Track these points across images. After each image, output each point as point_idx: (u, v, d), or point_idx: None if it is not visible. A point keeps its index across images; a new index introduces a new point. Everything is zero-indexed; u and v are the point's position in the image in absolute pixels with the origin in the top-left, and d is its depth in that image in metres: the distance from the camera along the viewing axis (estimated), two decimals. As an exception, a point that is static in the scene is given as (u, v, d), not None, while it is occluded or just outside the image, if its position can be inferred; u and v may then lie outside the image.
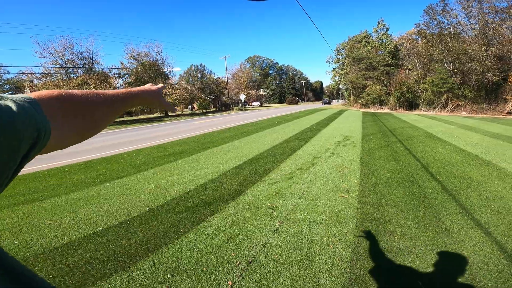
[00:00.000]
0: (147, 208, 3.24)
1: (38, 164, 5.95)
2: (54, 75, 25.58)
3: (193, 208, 3.18)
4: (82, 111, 0.45)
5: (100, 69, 28.60)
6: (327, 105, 47.79)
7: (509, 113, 19.79)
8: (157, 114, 40.47)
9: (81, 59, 26.93)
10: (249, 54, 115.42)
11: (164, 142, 8.95)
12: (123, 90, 0.60)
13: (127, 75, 31.03)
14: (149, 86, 0.71)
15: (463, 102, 21.87)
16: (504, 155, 5.31)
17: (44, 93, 0.39)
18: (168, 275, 1.99)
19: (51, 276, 2.02)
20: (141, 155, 6.72)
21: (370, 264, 2.05)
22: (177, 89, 32.72)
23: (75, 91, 0.45)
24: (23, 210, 3.38)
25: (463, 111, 21.44)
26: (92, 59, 27.88)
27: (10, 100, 0.32)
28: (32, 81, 25.40)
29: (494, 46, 20.94)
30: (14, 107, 0.31)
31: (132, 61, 32.83)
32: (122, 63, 32.72)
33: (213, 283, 1.88)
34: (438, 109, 22.96)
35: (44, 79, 24.79)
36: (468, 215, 2.79)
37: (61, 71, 25.86)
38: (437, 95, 23.12)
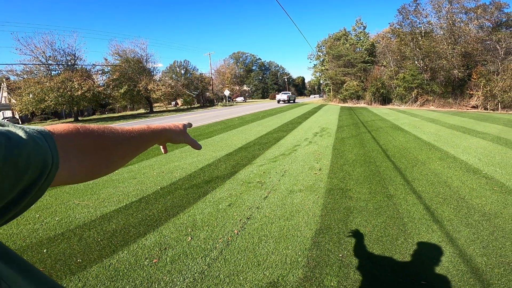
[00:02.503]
0: (159, 187, 3.95)
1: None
2: (35, 72, 24.88)
3: (197, 185, 3.93)
4: (97, 148, 0.44)
5: (83, 65, 28.06)
6: (307, 100, 48.97)
7: (473, 107, 21.66)
8: (142, 110, 40.11)
9: (63, 55, 26.35)
10: (233, 50, 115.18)
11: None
12: (144, 127, 0.58)
13: (110, 72, 30.58)
14: (173, 123, 0.70)
15: (431, 97, 23.61)
16: (452, 142, 6.41)
17: (59, 127, 0.39)
18: (189, 230, 2.73)
19: (99, 239, 2.56)
20: (138, 147, 7.30)
21: (334, 217, 2.89)
22: (162, 85, 32.66)
23: (92, 126, 0.45)
24: (48, 194, 3.85)
25: (432, 105, 23.17)
26: (75, 56, 27.32)
27: (20, 129, 0.32)
28: (8, 78, 24.61)
29: (460, 44, 22.66)
30: (23, 136, 0.31)
31: (117, 57, 32.40)
32: (106, 59, 32.13)
33: (224, 232, 2.65)
34: (409, 104, 24.66)
35: (25, 76, 24.07)
36: (408, 185, 3.72)
37: (42, 68, 25.20)
38: (408, 91, 24.79)
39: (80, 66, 27.70)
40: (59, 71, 25.76)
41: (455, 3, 23.34)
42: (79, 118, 28.30)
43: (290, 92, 41.64)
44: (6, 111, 30.24)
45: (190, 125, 0.77)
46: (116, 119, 24.19)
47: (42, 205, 3.50)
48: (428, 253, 2.20)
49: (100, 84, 28.81)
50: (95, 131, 0.45)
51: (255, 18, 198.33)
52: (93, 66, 29.85)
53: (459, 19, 23.52)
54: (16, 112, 24.39)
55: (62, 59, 26.17)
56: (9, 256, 0.35)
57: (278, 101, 36.81)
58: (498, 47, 20.70)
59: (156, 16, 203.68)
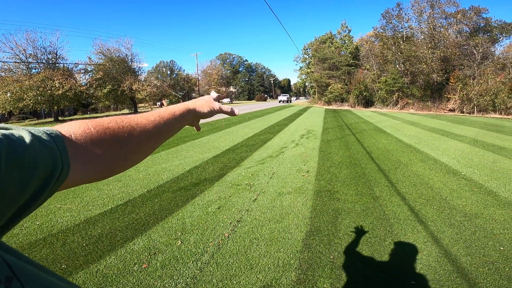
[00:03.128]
0: (145, 190, 3.87)
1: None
2: (14, 70, 23.80)
3: (185, 188, 3.88)
4: (112, 145, 0.41)
5: (65, 64, 27.09)
6: (293, 102, 49.67)
7: (450, 110, 22.59)
8: (126, 111, 39.10)
9: (44, 53, 25.33)
10: (220, 51, 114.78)
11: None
12: (164, 113, 0.54)
13: (94, 71, 29.69)
14: (197, 99, 0.66)
15: (411, 100, 24.45)
16: (432, 144, 6.67)
17: (69, 126, 0.38)
18: (179, 233, 2.69)
19: (84, 244, 2.47)
20: (122, 149, 7.12)
21: (323, 219, 2.94)
22: (147, 85, 32.05)
23: (106, 122, 0.42)
24: None
25: (412, 108, 24.00)
26: (57, 54, 26.33)
27: (25, 131, 0.31)
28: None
29: (439, 49, 23.57)
30: (28, 137, 0.30)
31: (101, 57, 31.48)
32: (90, 58, 31.17)
33: (214, 235, 2.63)
34: (390, 107, 25.42)
35: (2, 74, 22.98)
36: (393, 187, 3.84)
37: (21, 66, 24.15)
38: (389, 94, 25.55)
39: (62, 65, 26.74)
40: (40, 70, 24.77)
41: (437, 8, 24.26)
42: (59, 118, 27.33)
43: (288, 95, 52.32)
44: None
45: (219, 97, 0.73)
46: (98, 119, 23.47)
47: (22, 210, 3.34)
48: (415, 253, 2.28)
49: (83, 84, 27.91)
50: (109, 127, 0.42)
51: (243, 19, 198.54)
52: (76, 65, 28.89)
53: (439, 24, 24.47)
54: (-8, 111, 23.24)
55: (43, 57, 25.18)
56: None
57: (280, 101, 45.67)
58: (475, 52, 21.70)
59: (142, 15, 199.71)
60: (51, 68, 25.11)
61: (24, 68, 24.39)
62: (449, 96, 22.78)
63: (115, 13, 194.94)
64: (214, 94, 0.73)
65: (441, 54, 23.07)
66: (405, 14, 26.18)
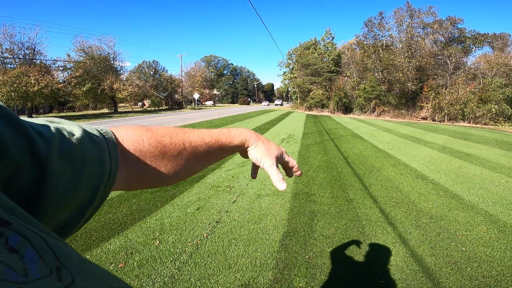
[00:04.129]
0: (123, 190, 3.83)
1: None
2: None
3: (164, 189, 3.87)
4: (164, 157, 0.39)
5: (43, 60, 25.97)
6: (273, 107, 50.46)
7: (423, 118, 23.71)
8: (105, 110, 37.88)
9: (21, 49, 24.21)
10: (206, 53, 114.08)
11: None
12: (221, 135, 0.49)
13: (73, 68, 28.64)
14: (268, 143, 0.56)
15: (387, 108, 25.42)
16: (404, 150, 7.03)
17: (126, 133, 0.37)
18: (157, 234, 2.70)
19: None
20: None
21: (300, 220, 3.04)
22: (129, 85, 31.27)
23: (161, 135, 0.40)
24: None
25: (387, 115, 24.95)
26: (35, 50, 25.21)
27: (76, 126, 0.31)
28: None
29: (416, 58, 24.66)
30: (78, 133, 0.30)
31: (81, 54, 30.42)
32: (69, 55, 30.04)
33: (193, 235, 2.66)
34: (368, 114, 26.31)
35: None
36: (366, 190, 4.03)
37: (-5, 61, 22.95)
38: (367, 101, 26.43)
39: (39, 61, 25.64)
40: (15, 65, 23.63)
41: (416, 17, 25.37)
42: (33, 115, 26.07)
43: (281, 100, 69.17)
44: None
45: (282, 159, 0.58)
46: (76, 118, 22.59)
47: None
48: (385, 254, 2.42)
49: (60, 81, 26.83)
50: (162, 142, 0.40)
51: (229, 22, 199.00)
52: (54, 61, 27.75)
53: (417, 34, 25.60)
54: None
55: (20, 52, 24.05)
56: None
57: (276, 105, 61.69)
58: (449, 62, 22.95)
59: (126, 13, 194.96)
60: (28, 64, 24.05)
61: (-1, 63, 23.22)
62: (422, 104, 23.89)
63: (98, 10, 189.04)
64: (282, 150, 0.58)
65: (417, 63, 24.17)
66: (386, 22, 27.17)
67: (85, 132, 0.31)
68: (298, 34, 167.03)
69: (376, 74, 26.31)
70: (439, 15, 25.35)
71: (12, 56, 23.53)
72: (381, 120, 20.53)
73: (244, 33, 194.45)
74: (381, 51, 26.45)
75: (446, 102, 21.43)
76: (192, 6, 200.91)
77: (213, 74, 79.39)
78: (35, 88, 21.91)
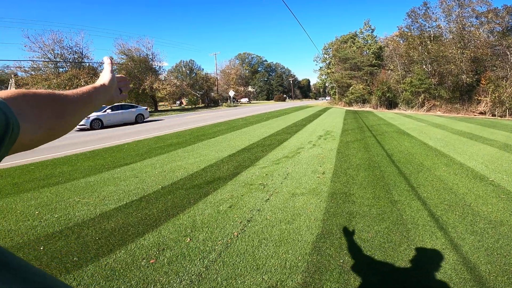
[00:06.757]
0: (160, 187, 3.93)
1: (38, 155, 6.45)
2: (43, 69, 25.37)
3: (198, 186, 3.90)
4: (48, 107, 0.45)
5: (90, 63, 28.54)
6: (312, 102, 49.18)
7: (481, 113, 21.35)
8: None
9: (70, 53, 26.87)
10: (239, 51, 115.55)
11: (161, 134, 9.54)
12: (89, 87, 0.62)
13: (116, 70, 30.97)
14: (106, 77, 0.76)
15: (439, 102, 23.31)
16: (459, 148, 6.29)
17: (8, 92, 0.40)
18: (189, 231, 2.69)
19: (97, 238, 2.55)
20: (141, 146, 7.32)
21: (336, 222, 2.83)
22: (167, 84, 32.89)
23: (39, 90, 0.46)
24: (48, 191, 3.89)
25: (439, 110, 22.89)
26: (82, 54, 27.79)
27: None
28: (16, 74, 25.03)
29: (469, 49, 22.35)
30: None
31: (123, 57, 32.76)
32: (112, 58, 32.58)
33: (223, 234, 2.61)
34: (416, 108, 24.38)
35: (32, 73, 24.56)
36: (413, 191, 3.64)
37: (50, 65, 25.70)
38: (415, 95, 24.51)
39: (87, 64, 28.12)
40: (67, 69, 26.19)
41: (466, 7, 23.05)
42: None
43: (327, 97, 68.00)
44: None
45: (123, 79, 0.85)
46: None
47: (43, 202, 3.50)
48: (431, 260, 2.14)
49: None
50: (41, 93, 0.46)
51: (262, 19, 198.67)
52: (100, 64, 30.26)
53: (469, 23, 23.18)
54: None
55: (69, 56, 26.63)
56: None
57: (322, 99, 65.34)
58: (508, 53, 20.38)
59: (162, 15, 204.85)
60: (77, 67, 26.46)
61: (52, 67, 25.88)
62: (479, 98, 21.51)
63: (136, 13, 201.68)
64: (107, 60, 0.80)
65: (471, 55, 21.82)
66: (433, 13, 25.02)
67: None
68: (334, 28, 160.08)
69: (424, 66, 24.27)
70: (494, 4, 22.52)
71: (63, 60, 26.04)
72: (431, 115, 18.88)
73: (277, 29, 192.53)
74: (428, 42, 24.31)
75: (507, 95, 19.00)
76: (225, 6, 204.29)
77: (247, 71, 79.94)
78: (85, 90, 24.14)
